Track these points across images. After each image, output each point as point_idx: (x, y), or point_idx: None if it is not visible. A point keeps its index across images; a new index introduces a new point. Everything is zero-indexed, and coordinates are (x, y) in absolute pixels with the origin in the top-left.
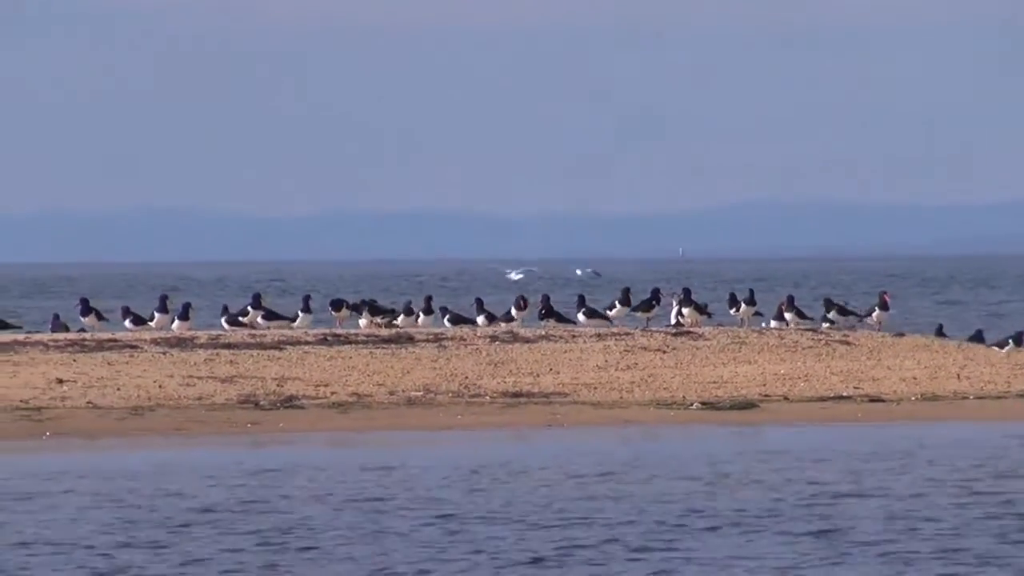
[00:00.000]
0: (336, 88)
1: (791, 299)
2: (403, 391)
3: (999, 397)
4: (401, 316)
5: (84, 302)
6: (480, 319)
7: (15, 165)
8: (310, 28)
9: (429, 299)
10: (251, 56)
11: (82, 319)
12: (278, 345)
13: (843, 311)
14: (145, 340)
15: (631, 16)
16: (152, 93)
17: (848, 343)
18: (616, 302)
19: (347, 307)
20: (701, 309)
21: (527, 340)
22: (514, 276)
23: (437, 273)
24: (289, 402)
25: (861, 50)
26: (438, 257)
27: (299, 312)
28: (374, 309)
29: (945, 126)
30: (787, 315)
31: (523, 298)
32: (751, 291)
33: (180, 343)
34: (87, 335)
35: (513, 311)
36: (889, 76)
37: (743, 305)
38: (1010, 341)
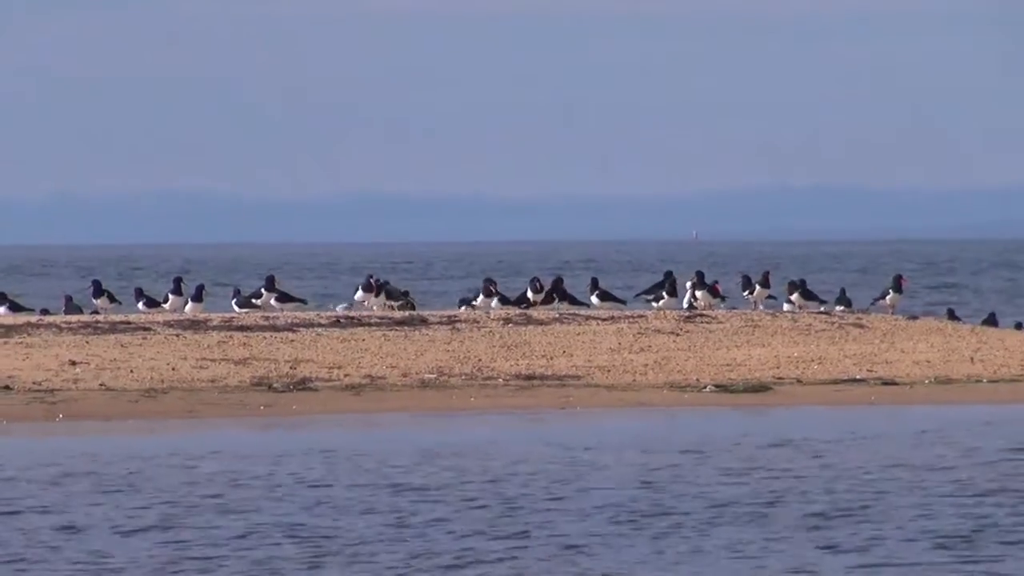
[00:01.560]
0: (356, 72)
1: (803, 282)
2: (416, 373)
3: (1013, 380)
4: (480, 297)
5: (96, 284)
6: (493, 301)
7: (29, 149)
8: (330, 10)
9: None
10: (272, 38)
11: (94, 301)
12: (291, 327)
13: (807, 295)
14: (158, 322)
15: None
16: (168, 74)
17: (862, 326)
18: (663, 293)
19: (373, 289)
20: (715, 292)
21: (540, 322)
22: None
23: (450, 256)
24: (302, 384)
25: (871, 34)
26: (452, 240)
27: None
28: (389, 292)
29: (958, 110)
30: (800, 298)
31: (539, 280)
32: (765, 274)
33: (193, 325)
34: (100, 317)
35: (529, 293)
36: (901, 59)
37: (757, 288)
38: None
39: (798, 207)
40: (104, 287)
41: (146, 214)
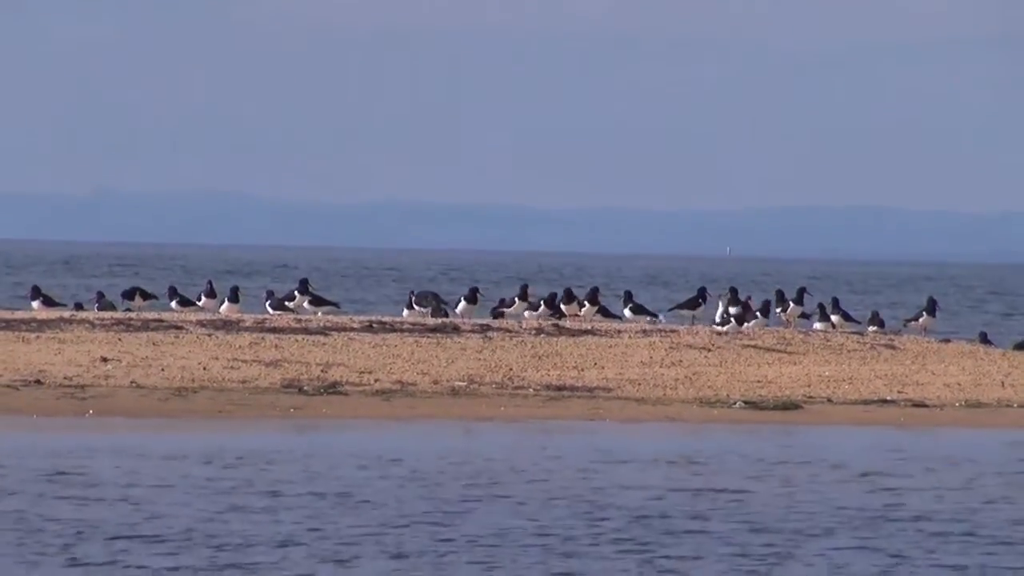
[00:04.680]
0: (391, 82)
1: (836, 301)
2: (447, 381)
3: None
4: (586, 306)
5: (133, 289)
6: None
7: (69, 147)
8: (372, 25)
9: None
10: (313, 46)
11: (126, 301)
12: (323, 331)
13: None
14: (190, 321)
15: (690, 21)
16: (210, 76)
17: (893, 347)
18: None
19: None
20: (747, 308)
21: (572, 334)
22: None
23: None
24: (332, 388)
25: (916, 61)
26: (488, 249)
27: (462, 299)
28: (419, 298)
29: (997, 134)
30: (833, 317)
31: (571, 290)
32: (800, 291)
33: (225, 325)
34: (132, 314)
35: (562, 304)
36: (941, 85)
37: (791, 305)
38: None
39: (835, 227)
40: (136, 285)
41: (184, 213)
